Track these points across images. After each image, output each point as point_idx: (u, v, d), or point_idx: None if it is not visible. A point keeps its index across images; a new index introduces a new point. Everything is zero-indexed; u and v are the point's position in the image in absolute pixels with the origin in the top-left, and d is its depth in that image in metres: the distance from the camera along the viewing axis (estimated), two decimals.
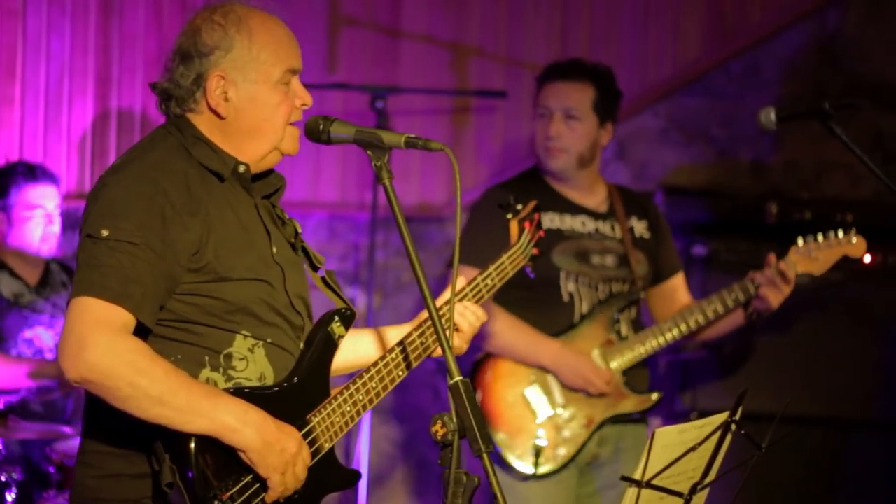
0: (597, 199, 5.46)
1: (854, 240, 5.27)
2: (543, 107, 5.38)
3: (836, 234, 5.27)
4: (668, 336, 5.29)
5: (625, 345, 5.31)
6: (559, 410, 5.25)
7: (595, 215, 5.43)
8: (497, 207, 4.13)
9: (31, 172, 5.87)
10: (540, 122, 5.39)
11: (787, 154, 7.20)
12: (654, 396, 5.35)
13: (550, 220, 5.33)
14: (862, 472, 6.46)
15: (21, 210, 5.82)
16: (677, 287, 5.53)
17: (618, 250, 5.40)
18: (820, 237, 5.24)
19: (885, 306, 6.48)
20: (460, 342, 3.76)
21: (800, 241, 5.25)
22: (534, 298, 5.28)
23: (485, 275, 3.88)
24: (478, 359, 5.34)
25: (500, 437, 5.22)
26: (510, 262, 3.97)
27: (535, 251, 4.07)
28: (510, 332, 5.26)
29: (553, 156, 5.36)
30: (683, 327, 5.30)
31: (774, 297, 5.22)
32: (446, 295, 3.76)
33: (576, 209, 5.41)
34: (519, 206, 4.07)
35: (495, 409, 5.25)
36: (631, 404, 5.32)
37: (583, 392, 5.25)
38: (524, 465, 5.21)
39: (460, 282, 3.80)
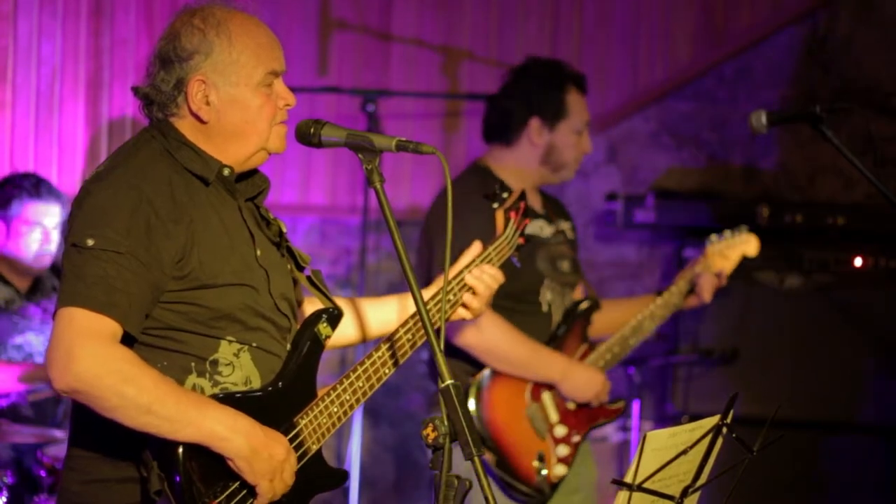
0: (538, 202, 5.38)
1: (748, 238, 5.44)
2: (584, 123, 5.28)
3: (733, 233, 5.43)
4: (631, 343, 5.32)
5: (597, 354, 5.27)
6: (554, 428, 5.19)
7: (546, 218, 5.35)
8: (482, 201, 4.10)
9: (36, 189, 5.85)
10: (577, 138, 5.27)
11: (778, 158, 7.21)
12: (620, 404, 5.32)
13: (528, 226, 5.28)
14: (852, 475, 6.47)
15: (20, 224, 5.80)
16: (588, 288, 5.55)
17: (569, 255, 5.35)
18: (723, 236, 5.41)
19: (876, 310, 6.49)
20: (479, 304, 3.83)
21: (710, 241, 5.41)
22: (517, 309, 5.15)
23: (470, 266, 3.87)
24: (477, 380, 5.09)
25: (504, 459, 5.06)
26: (496, 254, 3.95)
27: (521, 241, 4.05)
28: (518, 346, 5.09)
29: (576, 170, 5.36)
30: (640, 335, 5.33)
31: (708, 296, 5.37)
32: (433, 289, 3.79)
33: (535, 213, 5.28)
34: (504, 195, 4.04)
35: (500, 431, 5.07)
36: (605, 415, 5.29)
37: (587, 404, 5.20)
38: (529, 488, 5.10)
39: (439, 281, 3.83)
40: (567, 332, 5.25)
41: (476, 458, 3.01)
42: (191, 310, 3.30)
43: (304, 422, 3.40)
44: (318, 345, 3.49)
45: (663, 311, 5.36)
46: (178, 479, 3.17)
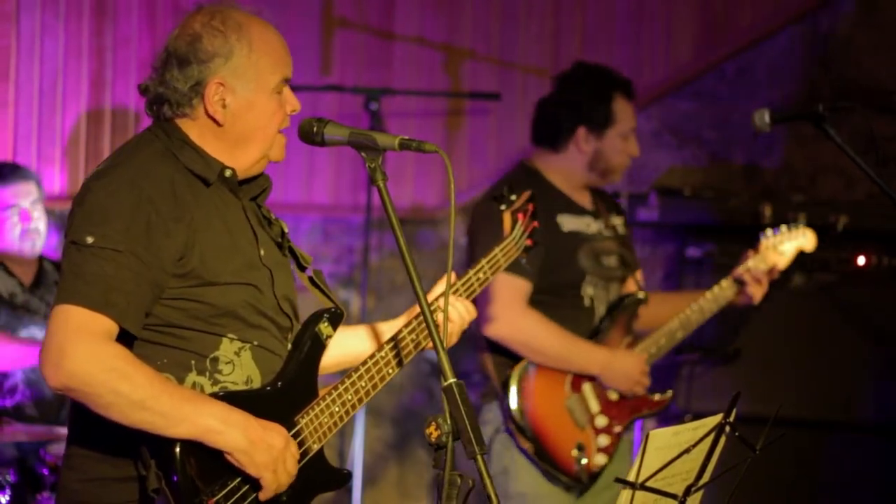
0: (587, 199, 5.45)
1: (806, 233, 5.45)
2: (631, 129, 5.35)
3: (789, 229, 5.42)
4: (678, 336, 5.36)
5: (642, 346, 5.33)
6: (595, 418, 5.24)
7: (593, 215, 5.42)
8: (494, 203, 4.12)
9: (0, 173, 5.82)
10: (625, 144, 5.33)
11: (780, 156, 7.22)
12: (669, 394, 5.38)
13: (569, 223, 5.31)
14: (854, 474, 6.47)
15: None
16: (638, 283, 5.56)
17: (616, 250, 5.41)
18: (778, 231, 5.41)
19: (879, 308, 6.48)
20: (449, 334, 3.75)
21: (764, 237, 5.41)
22: (558, 303, 5.25)
23: (476, 268, 3.86)
24: (513, 372, 5.19)
25: (545, 450, 5.15)
26: (503, 255, 3.95)
27: (528, 242, 4.04)
28: (555, 340, 5.18)
29: (623, 173, 5.43)
30: (689, 328, 5.37)
31: (759, 294, 5.38)
32: (436, 290, 3.77)
33: (581, 210, 5.39)
34: (513, 197, 4.05)
35: (540, 422, 5.16)
36: (648, 406, 5.34)
37: (627, 393, 5.26)
38: (568, 477, 5.17)
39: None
40: (611, 326, 5.32)
41: (479, 457, 3.01)
42: (192, 306, 3.29)
43: (304, 421, 3.39)
44: (319, 344, 3.49)
45: (712, 305, 5.39)
46: (175, 477, 3.17)
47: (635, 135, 5.38)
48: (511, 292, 5.16)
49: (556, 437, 5.18)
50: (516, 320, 5.16)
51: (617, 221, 5.51)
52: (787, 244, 5.44)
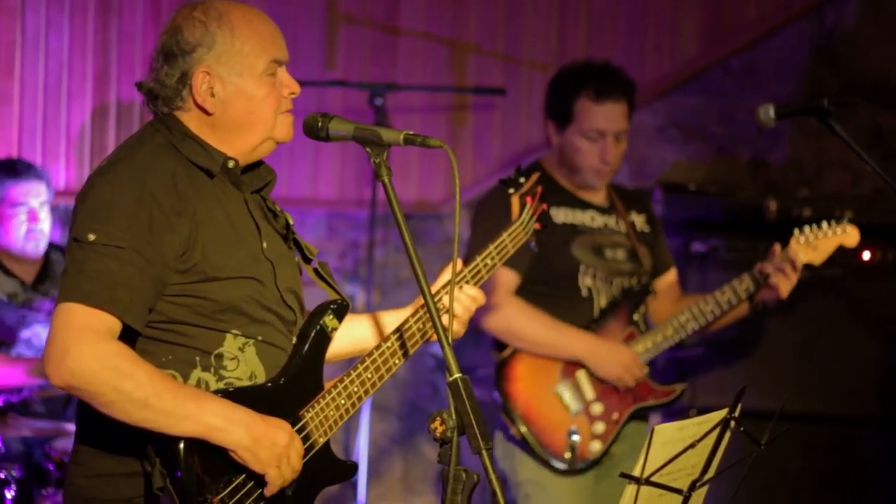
0: (600, 194, 5.46)
1: (847, 229, 5.32)
2: (596, 131, 5.28)
3: (830, 225, 5.30)
4: (688, 327, 5.32)
5: (647, 336, 5.31)
6: (590, 405, 5.25)
7: (601, 210, 5.44)
8: (502, 200, 4.10)
9: (12, 169, 5.80)
10: (588, 144, 5.29)
11: (785, 151, 7.21)
12: (678, 388, 5.37)
13: (564, 216, 5.34)
14: (859, 468, 6.46)
15: (4, 209, 5.75)
16: (672, 282, 5.56)
17: (626, 244, 5.42)
18: (815, 227, 5.28)
19: (884, 303, 6.48)
20: (458, 326, 3.75)
21: (798, 232, 5.28)
22: (552, 293, 5.28)
23: (484, 255, 3.84)
24: (504, 356, 5.27)
25: (533, 433, 5.19)
26: (511, 240, 3.93)
27: (537, 226, 4.02)
28: (538, 326, 5.22)
29: (603, 177, 5.38)
30: (701, 318, 5.33)
31: (784, 285, 5.27)
32: (442, 279, 3.76)
33: (584, 204, 5.41)
34: (521, 180, 4.03)
35: (527, 405, 5.22)
36: (654, 396, 5.34)
37: (617, 383, 5.24)
38: (560, 462, 5.19)
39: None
40: (611, 316, 5.32)
41: (484, 452, 3.01)
42: (196, 303, 3.30)
43: (309, 415, 3.39)
44: (324, 337, 3.49)
45: (729, 297, 5.31)
46: (179, 474, 3.17)
47: (610, 140, 5.31)
48: (496, 283, 5.18)
49: (545, 422, 5.21)
50: (498, 309, 5.19)
51: (638, 219, 5.52)
52: (826, 240, 5.29)
